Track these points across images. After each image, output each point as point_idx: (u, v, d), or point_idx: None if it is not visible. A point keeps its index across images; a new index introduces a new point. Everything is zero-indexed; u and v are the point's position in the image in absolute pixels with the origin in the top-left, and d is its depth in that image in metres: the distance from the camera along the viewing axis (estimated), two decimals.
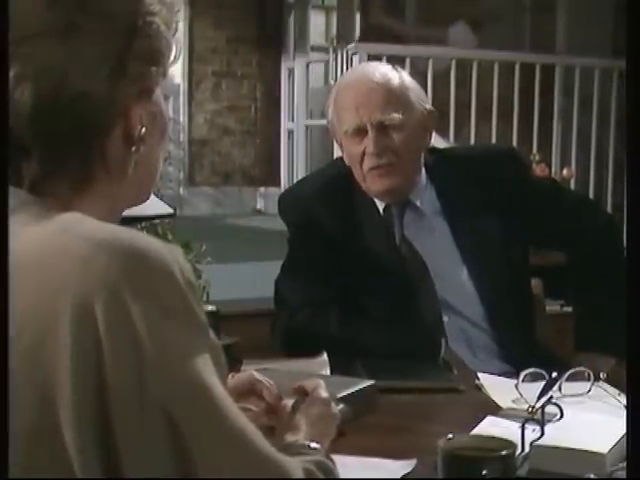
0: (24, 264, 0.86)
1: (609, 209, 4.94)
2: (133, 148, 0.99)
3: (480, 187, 2.05)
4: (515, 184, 2.08)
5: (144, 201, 1.09)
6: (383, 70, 2.03)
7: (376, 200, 2.07)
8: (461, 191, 2.06)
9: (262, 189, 6.64)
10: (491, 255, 2.03)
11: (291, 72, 6.67)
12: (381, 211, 2.07)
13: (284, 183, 6.65)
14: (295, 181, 6.45)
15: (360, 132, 1.99)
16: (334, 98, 2.05)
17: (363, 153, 1.99)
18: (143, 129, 0.99)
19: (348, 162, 2.06)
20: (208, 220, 5.90)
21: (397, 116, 1.98)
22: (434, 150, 2.14)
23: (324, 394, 1.30)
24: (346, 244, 2.05)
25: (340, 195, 2.08)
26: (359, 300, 2.02)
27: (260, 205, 6.65)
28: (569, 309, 3.23)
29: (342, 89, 2.05)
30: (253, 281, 3.61)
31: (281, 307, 2.07)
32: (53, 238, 0.88)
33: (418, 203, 2.06)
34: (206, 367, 0.86)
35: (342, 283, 2.05)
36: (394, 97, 1.99)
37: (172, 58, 1.02)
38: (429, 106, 2.07)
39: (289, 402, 1.27)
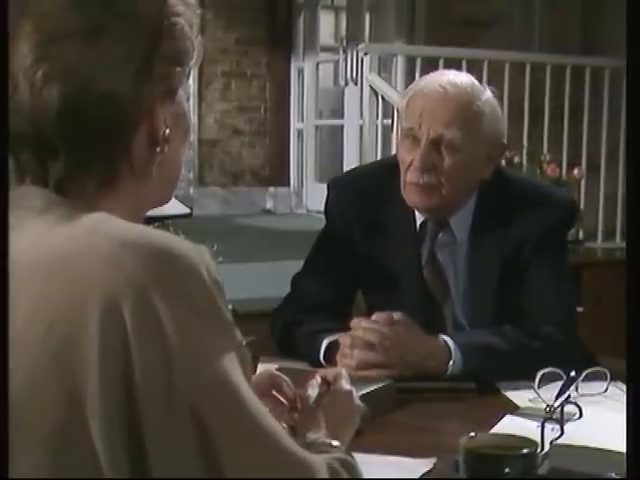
0: (52, 265, 0.87)
1: (619, 212, 4.93)
2: (157, 149, 0.99)
3: (517, 230, 1.89)
4: (544, 239, 1.89)
5: (167, 202, 1.09)
6: (465, 83, 1.85)
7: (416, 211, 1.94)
8: (496, 224, 1.89)
9: (271, 189, 6.63)
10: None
11: (301, 72, 6.67)
12: (417, 225, 1.94)
13: (293, 183, 6.64)
14: (305, 180, 6.53)
15: (415, 140, 1.84)
16: (408, 97, 1.90)
17: (410, 164, 1.85)
18: (167, 130, 0.99)
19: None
20: (218, 220, 5.89)
21: (458, 134, 1.81)
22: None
23: (346, 385, 1.28)
24: (369, 256, 1.97)
25: (378, 203, 1.97)
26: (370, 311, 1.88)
27: (269, 205, 6.64)
28: (580, 309, 3.24)
29: (418, 90, 1.88)
30: (262, 281, 3.61)
31: (286, 302, 2.03)
32: (81, 238, 0.88)
33: (454, 227, 1.91)
34: (233, 366, 0.86)
35: (351, 290, 2.03)
36: (464, 114, 1.82)
37: (194, 59, 1.03)
38: (504, 140, 1.90)
39: (311, 394, 1.24)
